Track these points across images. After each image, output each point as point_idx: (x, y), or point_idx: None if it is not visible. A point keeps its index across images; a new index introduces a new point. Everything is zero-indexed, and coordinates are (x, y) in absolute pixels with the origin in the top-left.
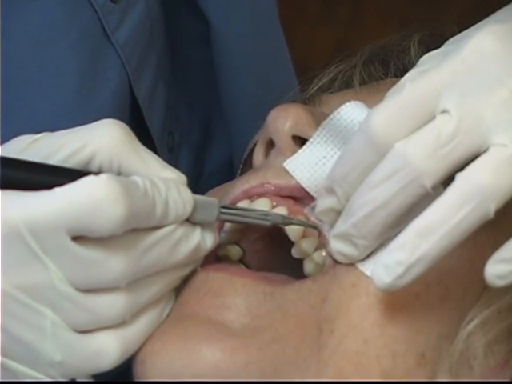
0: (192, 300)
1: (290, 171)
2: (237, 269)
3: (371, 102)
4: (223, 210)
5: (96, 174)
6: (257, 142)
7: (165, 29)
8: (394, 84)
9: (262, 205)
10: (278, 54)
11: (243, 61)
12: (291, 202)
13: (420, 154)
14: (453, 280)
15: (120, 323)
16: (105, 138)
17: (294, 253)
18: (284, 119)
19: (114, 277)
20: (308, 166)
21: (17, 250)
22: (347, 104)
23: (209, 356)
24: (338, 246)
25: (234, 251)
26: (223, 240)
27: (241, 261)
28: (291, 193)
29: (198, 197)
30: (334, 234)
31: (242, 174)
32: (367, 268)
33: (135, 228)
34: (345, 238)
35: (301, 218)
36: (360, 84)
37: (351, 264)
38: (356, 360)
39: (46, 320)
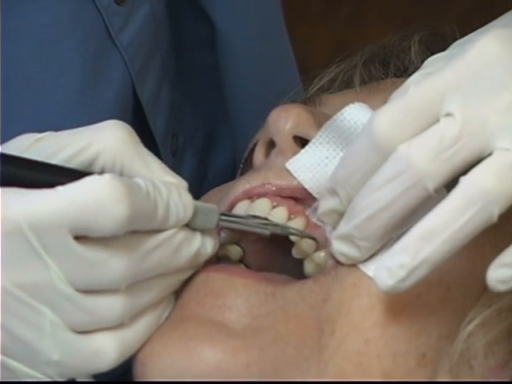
0: (192, 301)
1: (292, 172)
2: (237, 269)
3: (372, 101)
4: (223, 218)
5: (99, 174)
6: (257, 141)
7: (170, 31)
8: (394, 84)
9: (263, 205)
10: (284, 58)
11: (249, 64)
12: (292, 202)
13: (423, 156)
14: (454, 280)
15: (119, 325)
16: (109, 139)
17: (295, 253)
18: (285, 120)
19: (115, 278)
20: (310, 166)
21: (18, 248)
22: (351, 105)
23: (210, 356)
24: (340, 248)
25: (234, 251)
26: (223, 240)
27: (241, 261)
28: (292, 193)
29: (199, 203)
30: (336, 235)
31: (242, 173)
32: (369, 268)
33: (136, 230)
34: (347, 239)
35: (301, 218)
36: (360, 84)
37: (353, 264)
38: (357, 360)
39: (45, 319)
